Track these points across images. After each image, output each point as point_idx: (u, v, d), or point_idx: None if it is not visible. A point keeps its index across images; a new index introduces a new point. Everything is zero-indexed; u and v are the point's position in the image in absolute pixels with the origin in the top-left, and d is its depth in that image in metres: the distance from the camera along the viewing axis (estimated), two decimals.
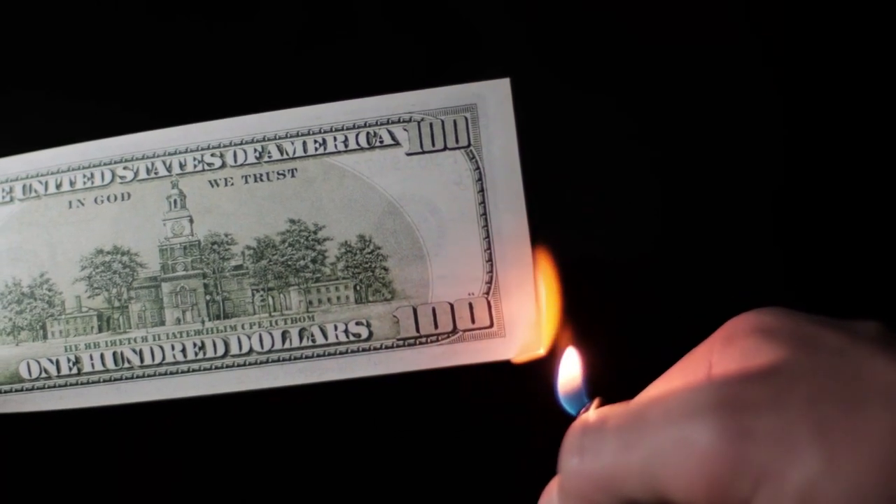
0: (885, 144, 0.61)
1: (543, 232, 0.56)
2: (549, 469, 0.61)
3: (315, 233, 0.57)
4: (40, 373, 0.57)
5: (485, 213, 0.56)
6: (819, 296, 0.61)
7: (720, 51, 0.62)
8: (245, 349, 0.57)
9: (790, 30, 0.62)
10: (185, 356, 0.57)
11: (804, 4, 0.62)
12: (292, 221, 0.57)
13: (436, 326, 0.56)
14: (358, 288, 0.56)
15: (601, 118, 0.61)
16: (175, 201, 0.57)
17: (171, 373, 0.57)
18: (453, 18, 0.62)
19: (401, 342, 0.56)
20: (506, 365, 0.56)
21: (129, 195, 0.58)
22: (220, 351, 0.57)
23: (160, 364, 0.57)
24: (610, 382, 0.60)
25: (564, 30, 0.62)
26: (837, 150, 0.62)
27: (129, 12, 0.63)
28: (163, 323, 0.57)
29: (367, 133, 0.57)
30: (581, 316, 0.60)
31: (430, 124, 0.57)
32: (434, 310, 0.56)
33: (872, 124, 0.62)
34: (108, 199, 0.58)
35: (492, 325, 0.56)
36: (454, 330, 0.56)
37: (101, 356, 0.57)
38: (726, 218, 0.61)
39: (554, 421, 0.61)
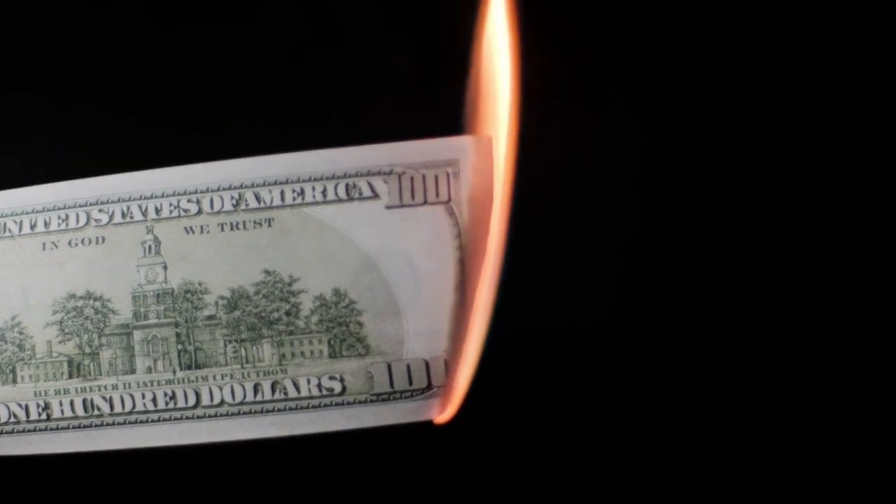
0: (879, 146, 0.61)
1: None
2: None
3: (290, 284, 0.56)
4: (9, 417, 0.56)
5: (463, 270, 0.55)
6: (807, 300, 0.60)
7: (710, 79, 0.61)
8: (216, 400, 0.56)
9: (784, 46, 0.61)
10: (155, 405, 0.56)
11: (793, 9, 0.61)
12: (267, 272, 0.56)
13: (410, 382, 0.55)
14: (332, 342, 0.56)
15: (590, 171, 0.61)
16: (150, 247, 0.57)
17: (142, 421, 0.56)
18: (445, 33, 0.61)
19: (374, 397, 0.55)
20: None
21: (103, 239, 0.57)
22: (192, 401, 0.56)
23: (130, 412, 0.56)
24: (603, 389, 0.60)
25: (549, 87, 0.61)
26: (829, 156, 0.61)
27: (124, 23, 0.63)
28: (133, 371, 0.56)
29: (347, 184, 0.56)
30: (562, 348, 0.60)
31: (411, 178, 0.56)
32: (409, 366, 0.55)
33: (869, 134, 0.61)
34: (83, 241, 0.57)
35: None
36: (429, 386, 0.55)
37: (71, 402, 0.56)
38: (718, 256, 0.61)
39: (528, 476, 0.60)
